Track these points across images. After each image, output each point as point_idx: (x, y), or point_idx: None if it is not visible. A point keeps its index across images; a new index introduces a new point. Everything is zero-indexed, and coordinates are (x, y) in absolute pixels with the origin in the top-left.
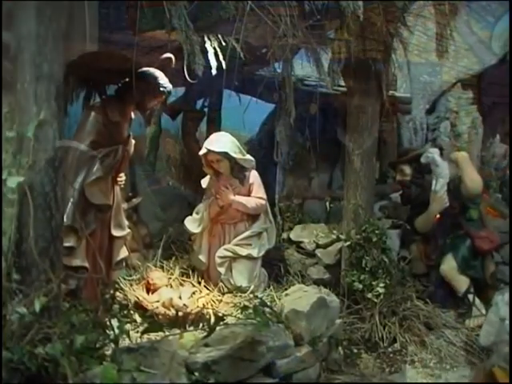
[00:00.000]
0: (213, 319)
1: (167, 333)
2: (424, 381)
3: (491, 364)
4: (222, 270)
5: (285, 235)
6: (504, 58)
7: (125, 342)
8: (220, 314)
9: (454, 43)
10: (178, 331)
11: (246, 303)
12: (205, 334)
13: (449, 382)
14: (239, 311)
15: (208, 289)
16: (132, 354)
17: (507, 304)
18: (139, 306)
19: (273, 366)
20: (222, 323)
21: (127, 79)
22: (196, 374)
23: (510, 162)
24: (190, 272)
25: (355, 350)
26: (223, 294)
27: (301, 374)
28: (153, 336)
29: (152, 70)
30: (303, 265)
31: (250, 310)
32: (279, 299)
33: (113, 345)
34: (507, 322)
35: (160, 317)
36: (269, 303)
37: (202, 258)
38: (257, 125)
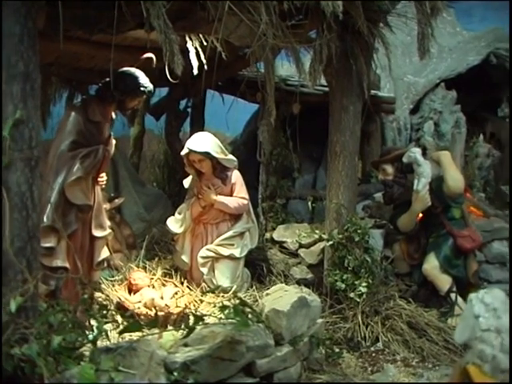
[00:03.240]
0: (192, 319)
1: (146, 333)
2: (406, 380)
3: (465, 361)
4: (204, 270)
5: (268, 235)
6: (487, 58)
7: (107, 343)
8: (199, 314)
9: (438, 43)
10: (157, 331)
11: (227, 303)
12: (184, 333)
13: (430, 382)
14: (219, 311)
15: (190, 289)
16: (110, 354)
17: (481, 302)
18: (121, 307)
19: (253, 366)
20: (201, 323)
21: (108, 79)
22: (175, 373)
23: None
24: (173, 272)
25: (337, 350)
26: (203, 293)
27: (282, 374)
28: (134, 336)
29: (132, 69)
30: (286, 265)
31: (230, 310)
32: (262, 299)
33: (91, 345)
34: (481, 319)
35: (142, 317)
36: (251, 303)
37: (185, 258)
38: (241, 125)
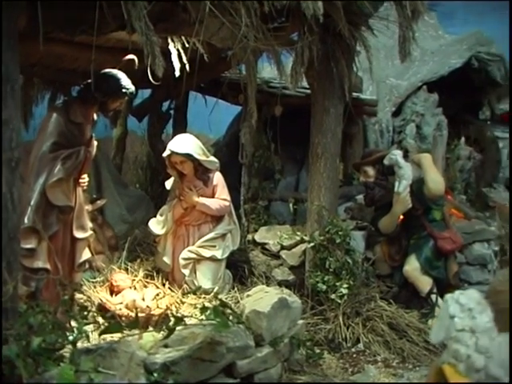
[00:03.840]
0: (172, 320)
1: (126, 334)
2: (386, 380)
3: (441, 361)
4: (186, 271)
5: (250, 237)
6: (469, 61)
7: (87, 344)
8: (179, 315)
9: (420, 46)
10: (137, 332)
11: (208, 304)
12: (165, 335)
13: (410, 382)
14: (200, 312)
15: (172, 290)
16: (90, 355)
17: (457, 302)
18: (103, 308)
19: (234, 367)
20: (182, 324)
21: (90, 80)
22: (155, 374)
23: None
24: (155, 274)
25: (318, 351)
26: (183, 294)
27: (262, 375)
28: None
29: (114, 71)
30: (268, 266)
31: (210, 311)
32: (242, 300)
33: (71, 346)
34: (456, 319)
35: (123, 318)
36: (233, 304)
37: (167, 259)
38: (224, 127)
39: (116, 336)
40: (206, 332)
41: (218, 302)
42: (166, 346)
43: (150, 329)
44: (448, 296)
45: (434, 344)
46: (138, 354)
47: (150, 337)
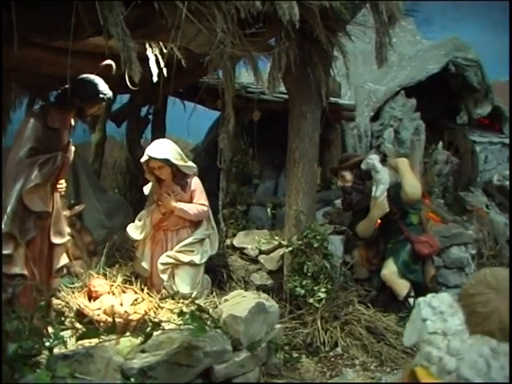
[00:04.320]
0: (149, 325)
1: (104, 339)
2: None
3: (414, 364)
4: (164, 276)
5: (228, 242)
6: (446, 66)
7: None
8: (156, 320)
9: (398, 52)
10: (114, 337)
11: (186, 309)
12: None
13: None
14: (177, 317)
15: (150, 295)
16: (67, 361)
17: (429, 305)
18: (81, 314)
19: (211, 371)
20: (159, 329)
21: (67, 86)
22: (132, 379)
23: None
24: (133, 279)
25: (296, 355)
26: (160, 299)
27: (240, 379)
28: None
29: (92, 76)
30: (246, 271)
31: (188, 316)
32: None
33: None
34: (428, 322)
35: (101, 324)
36: (211, 309)
37: (145, 264)
38: (203, 132)
39: (94, 341)
40: (183, 337)
41: (196, 307)
42: (143, 351)
43: (128, 334)
44: (420, 299)
45: (411, 347)
46: (114, 360)
47: (127, 342)
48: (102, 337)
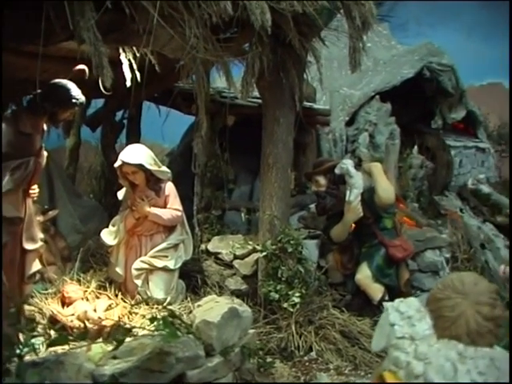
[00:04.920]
0: (121, 331)
1: (75, 345)
2: None
3: (383, 368)
4: (138, 282)
5: (203, 246)
6: (421, 71)
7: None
8: (128, 326)
9: (373, 57)
10: (85, 344)
11: (158, 314)
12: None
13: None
14: (149, 322)
15: (125, 301)
16: (37, 368)
17: (396, 310)
18: (54, 320)
19: (184, 377)
20: (131, 335)
21: (39, 90)
22: None
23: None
24: (107, 284)
25: (270, 359)
26: (132, 305)
27: None
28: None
29: (64, 81)
30: (221, 276)
31: (160, 321)
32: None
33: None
34: (396, 327)
35: (75, 330)
36: (186, 315)
37: (119, 270)
38: (179, 136)
39: (66, 348)
40: (154, 343)
41: (168, 313)
42: (114, 358)
43: (99, 340)
44: (388, 304)
45: (386, 351)
46: (85, 366)
47: (99, 348)
48: (73, 343)
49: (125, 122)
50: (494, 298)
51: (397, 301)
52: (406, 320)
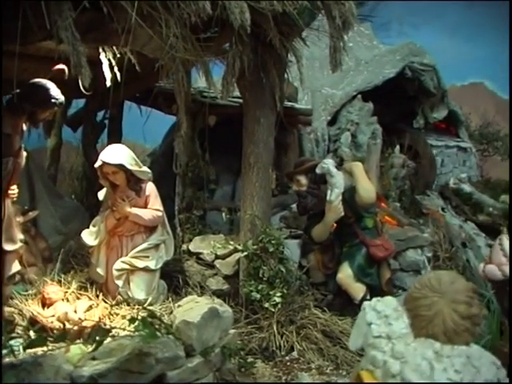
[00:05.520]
0: (100, 332)
1: (54, 347)
2: None
3: (360, 368)
4: (119, 282)
5: (185, 247)
6: (402, 71)
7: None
8: (107, 327)
9: (355, 56)
10: (64, 345)
11: (138, 315)
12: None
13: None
14: (128, 323)
15: (106, 302)
16: (15, 370)
17: (373, 309)
18: (34, 321)
19: (164, 378)
20: (110, 336)
21: (18, 90)
22: None
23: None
24: (88, 285)
25: (251, 359)
26: (112, 305)
27: None
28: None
29: (44, 81)
30: (203, 276)
31: (139, 322)
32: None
33: None
34: (373, 326)
35: (55, 331)
36: (166, 315)
37: (100, 270)
38: (161, 136)
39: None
40: (134, 343)
41: (147, 313)
42: (93, 359)
43: (78, 341)
44: (366, 303)
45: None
46: (64, 368)
47: (78, 349)
48: (52, 344)
49: (106, 122)
50: (471, 297)
51: (374, 300)
52: (382, 319)
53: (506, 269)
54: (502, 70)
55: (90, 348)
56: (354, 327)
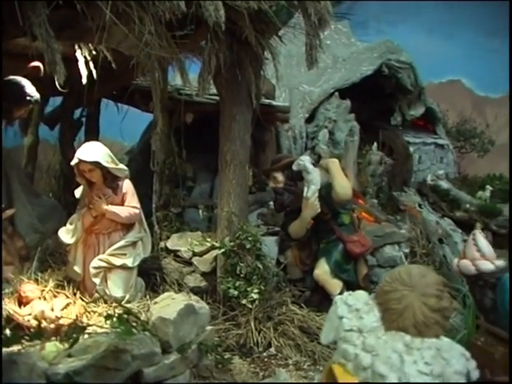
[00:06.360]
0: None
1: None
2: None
3: (332, 361)
4: (96, 280)
5: (162, 244)
6: (380, 68)
7: None
8: (83, 324)
9: (333, 53)
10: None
11: (114, 312)
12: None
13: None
14: (104, 320)
15: (83, 300)
16: None
17: (345, 303)
18: (11, 320)
19: (141, 375)
20: (86, 333)
21: None
22: None
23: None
24: (66, 284)
25: (228, 356)
26: (87, 302)
27: (171, 381)
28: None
29: (18, 78)
30: (180, 273)
31: (115, 319)
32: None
33: None
34: (344, 320)
35: (32, 330)
36: (144, 312)
37: (77, 268)
38: (139, 134)
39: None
40: (109, 340)
41: (123, 310)
42: (69, 356)
43: (53, 339)
44: (337, 298)
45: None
46: (39, 365)
47: (53, 347)
48: (26, 342)
49: (83, 119)
50: (441, 290)
51: (345, 294)
52: (354, 313)
53: (480, 264)
54: (479, 67)
55: (66, 345)
56: (326, 321)
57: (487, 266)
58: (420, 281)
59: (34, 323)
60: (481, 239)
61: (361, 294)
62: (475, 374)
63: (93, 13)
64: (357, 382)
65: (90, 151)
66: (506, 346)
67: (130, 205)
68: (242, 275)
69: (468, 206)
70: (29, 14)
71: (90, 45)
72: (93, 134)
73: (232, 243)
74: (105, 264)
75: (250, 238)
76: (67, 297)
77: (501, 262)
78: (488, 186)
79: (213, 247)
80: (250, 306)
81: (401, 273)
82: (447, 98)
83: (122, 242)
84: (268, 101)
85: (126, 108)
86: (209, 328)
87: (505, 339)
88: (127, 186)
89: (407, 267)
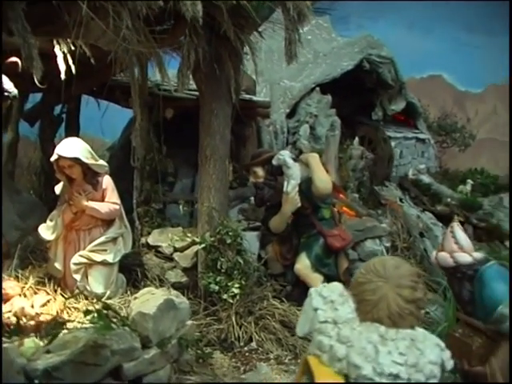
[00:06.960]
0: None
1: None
2: (278, 377)
3: (308, 353)
4: (77, 276)
5: (143, 240)
6: (360, 63)
7: None
8: (61, 320)
9: (314, 49)
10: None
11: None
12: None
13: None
14: (83, 315)
15: (64, 296)
16: None
17: (320, 295)
18: None
19: (120, 370)
20: (65, 329)
21: None
22: (36, 381)
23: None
24: (46, 280)
25: (208, 350)
26: (67, 298)
27: (151, 376)
28: None
29: None
30: (162, 269)
31: (94, 314)
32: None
33: None
34: (319, 311)
35: (12, 327)
36: (125, 308)
37: (58, 265)
38: (120, 130)
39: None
40: (88, 335)
41: (102, 305)
42: (48, 352)
43: (31, 335)
44: (312, 290)
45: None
46: (17, 362)
47: (31, 343)
48: (5, 339)
49: (63, 116)
50: (415, 281)
51: (320, 285)
52: (328, 304)
53: (458, 256)
54: (460, 62)
55: (45, 342)
56: (301, 313)
57: (465, 258)
58: (394, 272)
59: (14, 320)
60: (459, 232)
61: (335, 286)
62: (450, 364)
63: (69, 8)
64: (341, 382)
65: (70, 147)
66: (483, 337)
67: (110, 201)
68: (222, 270)
69: (449, 199)
70: (5, 9)
71: (68, 40)
72: (73, 131)
73: (213, 238)
74: (85, 260)
75: (230, 233)
76: (48, 293)
77: (478, 254)
78: (469, 180)
79: (193, 242)
80: (231, 301)
81: (375, 264)
82: (428, 93)
83: (102, 238)
84: (248, 96)
85: (106, 104)
86: (189, 323)
87: (482, 330)
88: (107, 181)
89: (382, 259)
